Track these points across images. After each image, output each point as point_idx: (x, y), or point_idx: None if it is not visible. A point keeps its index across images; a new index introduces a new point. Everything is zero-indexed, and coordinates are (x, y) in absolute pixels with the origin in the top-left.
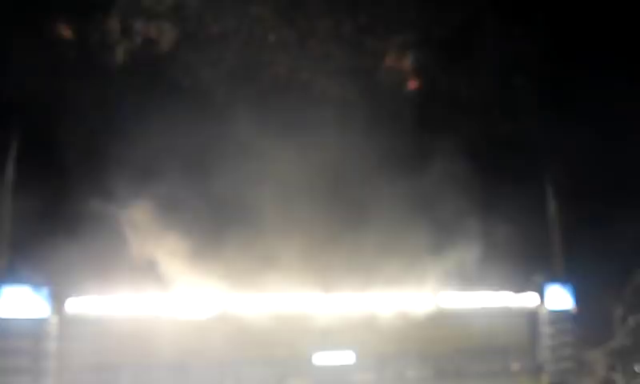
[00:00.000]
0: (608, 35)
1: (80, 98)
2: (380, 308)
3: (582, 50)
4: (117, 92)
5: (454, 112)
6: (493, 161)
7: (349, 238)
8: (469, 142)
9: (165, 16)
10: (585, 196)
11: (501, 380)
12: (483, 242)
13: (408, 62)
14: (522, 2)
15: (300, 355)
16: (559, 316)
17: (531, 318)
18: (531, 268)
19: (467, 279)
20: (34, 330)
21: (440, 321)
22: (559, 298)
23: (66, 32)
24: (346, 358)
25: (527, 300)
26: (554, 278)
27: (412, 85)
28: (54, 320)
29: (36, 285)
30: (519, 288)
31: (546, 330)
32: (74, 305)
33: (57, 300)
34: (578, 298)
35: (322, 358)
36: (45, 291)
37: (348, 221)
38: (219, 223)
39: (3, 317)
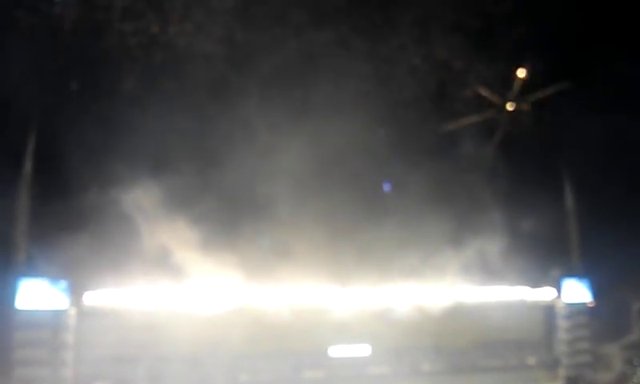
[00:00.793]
0: (622, 26)
1: (95, 90)
2: (397, 301)
3: (600, 38)
4: (130, 84)
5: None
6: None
7: (366, 229)
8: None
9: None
10: (603, 189)
11: (517, 374)
12: (503, 236)
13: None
14: None
15: (316, 348)
16: (576, 310)
17: (548, 311)
18: (549, 262)
19: (486, 273)
20: (53, 321)
21: (456, 314)
22: (576, 291)
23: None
24: (361, 350)
25: (544, 294)
26: (572, 272)
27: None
28: (72, 312)
29: (54, 278)
30: (536, 282)
31: (562, 323)
32: (92, 297)
33: (74, 293)
34: (596, 291)
35: (338, 351)
36: (63, 284)
37: (365, 212)
38: (234, 216)
39: (22, 309)
